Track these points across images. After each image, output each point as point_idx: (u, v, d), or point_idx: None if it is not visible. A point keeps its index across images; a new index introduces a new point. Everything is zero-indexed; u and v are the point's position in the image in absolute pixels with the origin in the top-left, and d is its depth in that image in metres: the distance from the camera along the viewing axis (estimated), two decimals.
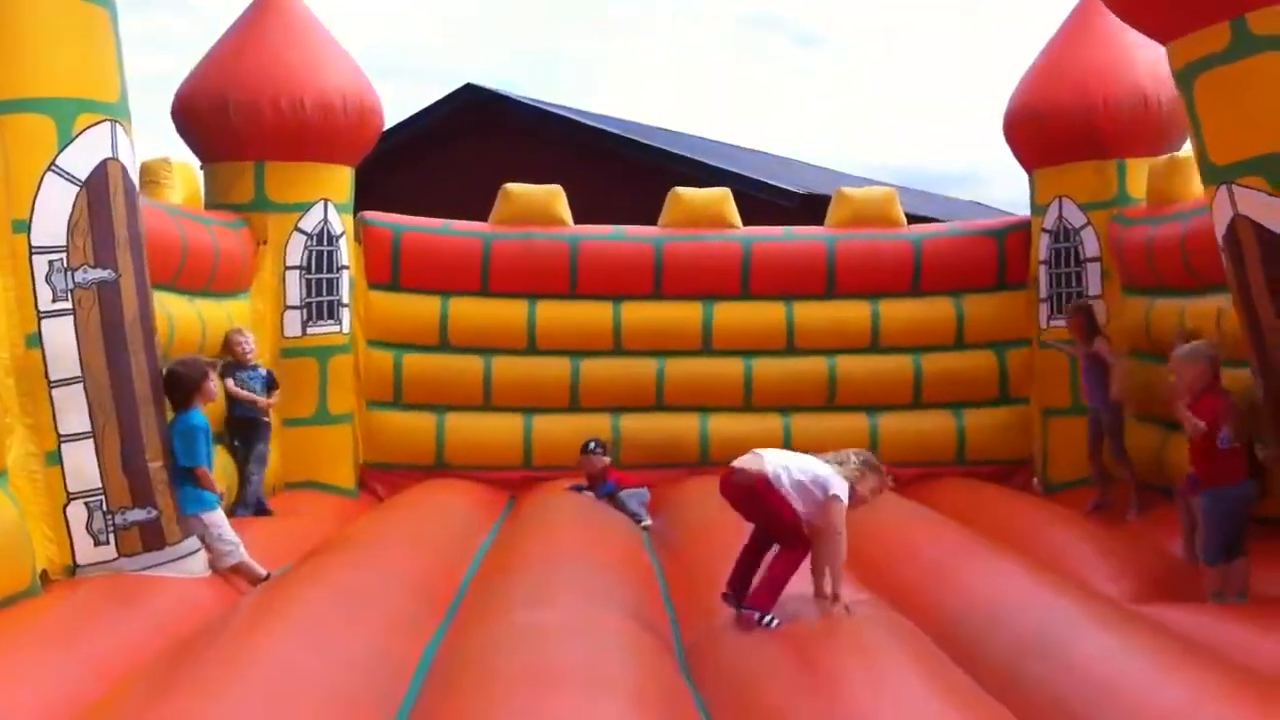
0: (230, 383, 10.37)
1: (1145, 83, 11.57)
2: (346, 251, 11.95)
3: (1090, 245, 12.05)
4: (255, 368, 10.65)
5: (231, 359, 10.55)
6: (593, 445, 11.53)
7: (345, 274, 11.93)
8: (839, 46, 62.65)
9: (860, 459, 7.09)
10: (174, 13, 51.04)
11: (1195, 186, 10.90)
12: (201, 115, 11.40)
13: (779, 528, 6.94)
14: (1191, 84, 7.68)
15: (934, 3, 61.54)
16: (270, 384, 10.70)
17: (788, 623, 6.59)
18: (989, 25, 62.20)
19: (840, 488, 6.87)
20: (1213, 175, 7.71)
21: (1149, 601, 7.59)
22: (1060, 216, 12.21)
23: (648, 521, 10.79)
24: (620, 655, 6.11)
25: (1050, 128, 11.99)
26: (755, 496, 6.95)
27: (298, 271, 11.65)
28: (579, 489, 11.40)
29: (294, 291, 11.64)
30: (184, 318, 9.69)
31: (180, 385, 8.14)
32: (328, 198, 11.77)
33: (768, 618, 6.66)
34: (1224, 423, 7.82)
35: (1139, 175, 11.73)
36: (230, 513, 9.72)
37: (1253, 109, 7.29)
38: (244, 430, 10.41)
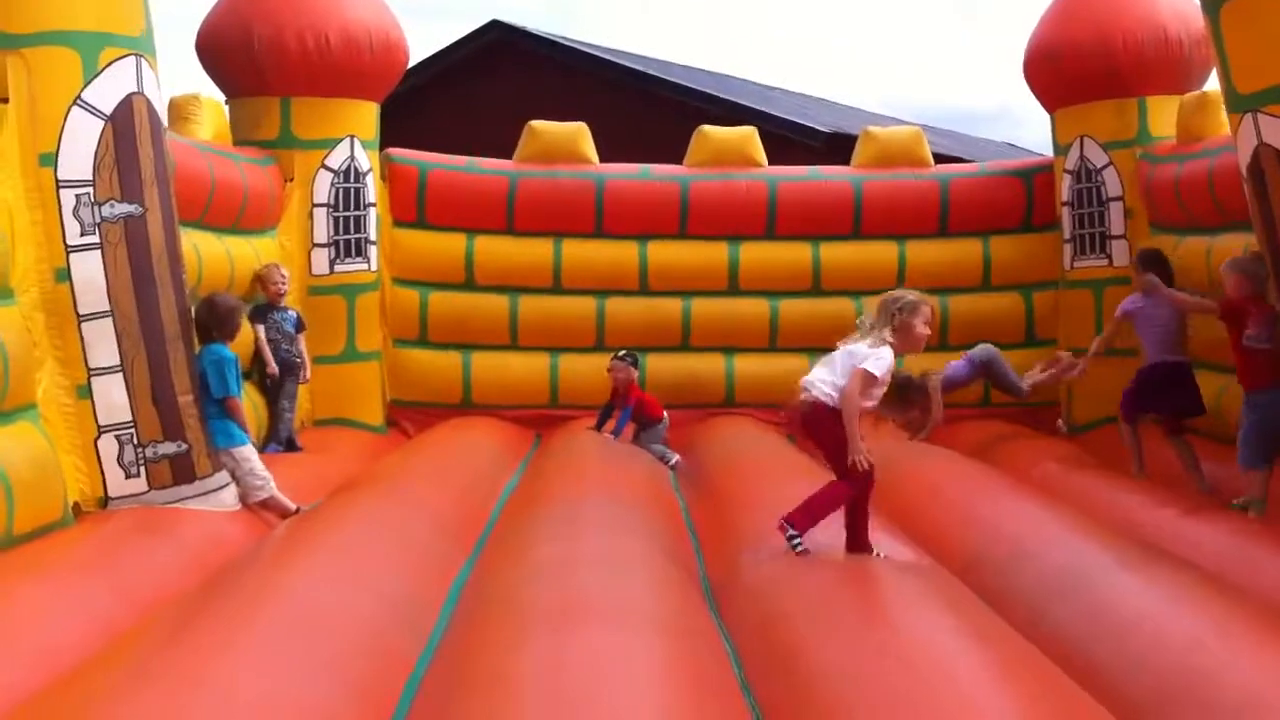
0: (262, 329, 10.41)
1: (1165, 20, 11.49)
2: (373, 188, 11.95)
3: (1113, 185, 11.99)
4: (285, 309, 10.68)
5: (264, 299, 10.56)
6: (624, 353, 11.49)
7: (372, 211, 11.93)
8: None
9: (884, 311, 6.73)
10: None
11: (1224, 124, 10.83)
12: (226, 50, 11.37)
13: (828, 454, 6.85)
14: (1217, 11, 7.62)
15: None
16: (300, 325, 10.74)
17: (815, 557, 6.60)
18: None
19: (870, 359, 6.60)
20: (1237, 104, 7.65)
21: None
22: (1082, 156, 12.13)
23: (675, 459, 10.81)
24: (646, 590, 6.14)
25: (1070, 67, 11.91)
26: (807, 425, 6.88)
27: (325, 209, 11.65)
28: (598, 427, 11.37)
29: (321, 229, 11.65)
30: (212, 254, 9.72)
31: (211, 318, 8.20)
32: (354, 134, 11.76)
33: (796, 540, 6.62)
34: (1255, 325, 7.91)
35: (1160, 113, 11.66)
36: (261, 449, 9.82)
37: (1277, 36, 7.23)
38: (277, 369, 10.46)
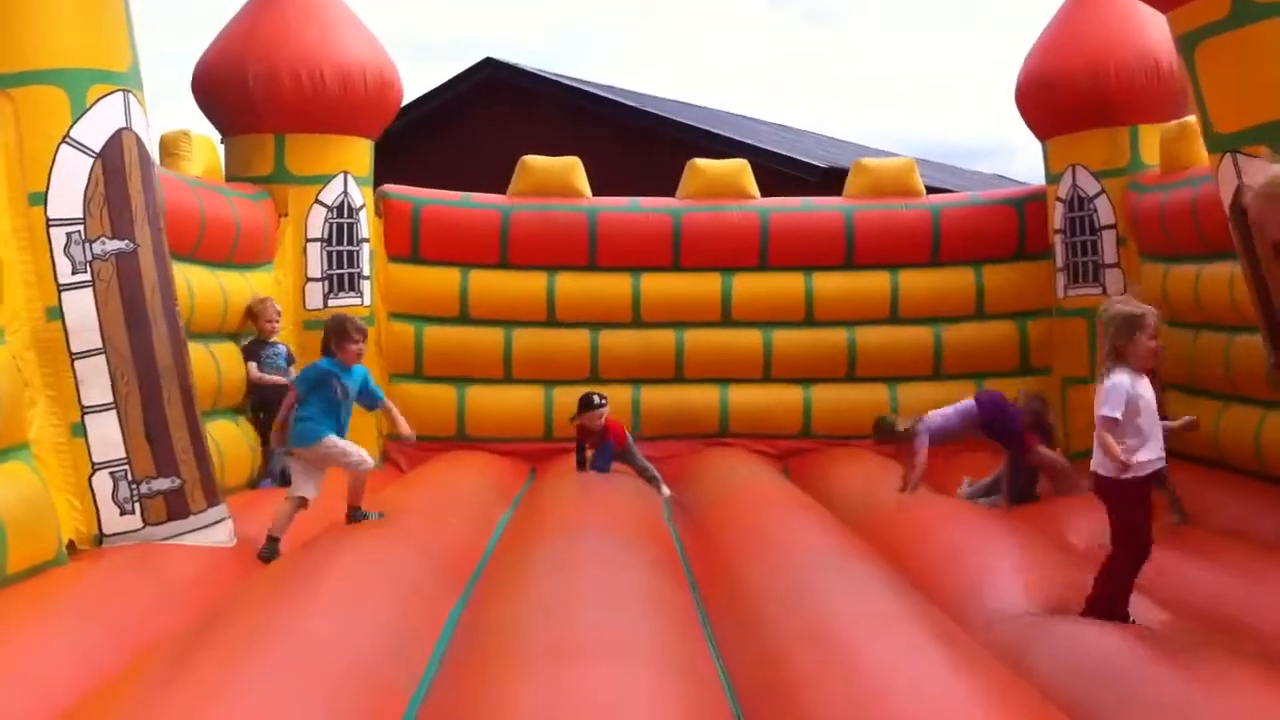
0: (254, 367, 10.42)
1: (1156, 49, 11.52)
2: (367, 224, 11.99)
3: (1105, 213, 12.03)
4: (276, 344, 10.70)
5: (255, 335, 10.57)
6: (597, 400, 11.06)
7: (365, 246, 11.97)
8: (852, 22, 62.20)
9: (1105, 337, 6.29)
10: None
11: (1206, 152, 10.89)
12: (221, 88, 11.43)
13: (1110, 521, 6.44)
14: (1192, 52, 7.65)
15: None
16: (291, 360, 10.76)
17: (814, 593, 6.57)
18: None
19: (1104, 404, 6.15)
20: (1216, 144, 7.68)
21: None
22: (1074, 185, 12.18)
23: (667, 492, 10.78)
24: (642, 625, 6.11)
25: (1061, 96, 11.97)
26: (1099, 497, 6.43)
27: (319, 244, 11.69)
28: (583, 464, 11.12)
29: (315, 264, 11.69)
30: (205, 288, 9.74)
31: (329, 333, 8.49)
32: (348, 170, 11.81)
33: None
34: None
35: (1152, 142, 11.70)
36: (255, 484, 9.82)
37: (1254, 77, 7.25)
38: (268, 403, 10.45)
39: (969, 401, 10.41)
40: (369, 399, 8.71)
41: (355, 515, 8.51)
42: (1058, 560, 7.66)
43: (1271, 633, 6.28)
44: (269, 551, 7.89)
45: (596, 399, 11.10)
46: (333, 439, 8.38)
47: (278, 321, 10.70)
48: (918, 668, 5.34)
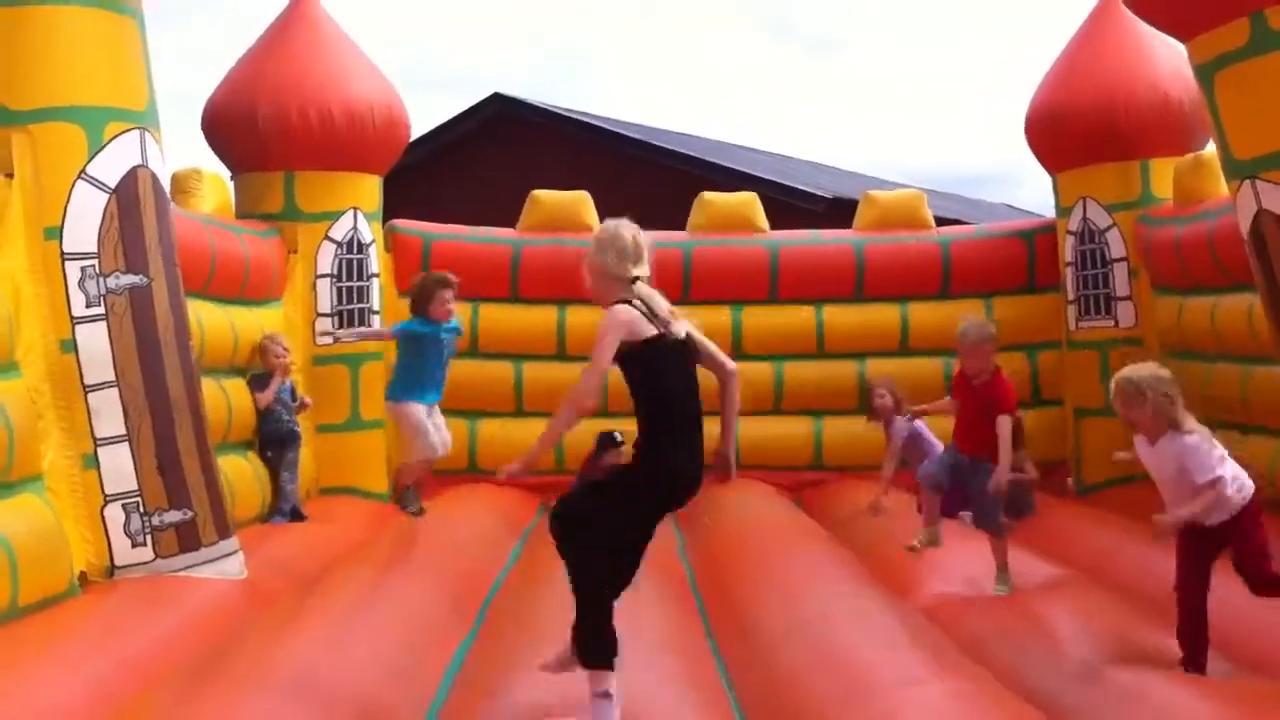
0: (260, 396, 10.39)
1: (1166, 82, 11.53)
2: (376, 259, 12.01)
3: (1116, 246, 12.02)
4: (282, 380, 10.66)
5: (263, 369, 10.59)
6: (619, 438, 10.84)
7: (375, 282, 11.99)
8: (853, 53, 62.50)
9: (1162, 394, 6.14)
10: (207, 27, 51.38)
11: (1222, 184, 10.88)
12: (231, 126, 11.47)
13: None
14: (1212, 80, 7.66)
15: (952, 7, 61.29)
16: (294, 397, 10.73)
17: (828, 627, 6.54)
18: (1014, 25, 61.98)
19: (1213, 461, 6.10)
20: (1236, 170, 7.69)
21: None
22: (1085, 218, 12.17)
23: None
24: (654, 659, 6.12)
25: (1071, 129, 11.96)
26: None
27: (328, 279, 11.71)
28: None
29: (325, 299, 11.69)
30: (215, 324, 9.76)
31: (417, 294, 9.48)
32: (357, 206, 11.83)
33: None
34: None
35: (1163, 175, 11.69)
36: (266, 519, 9.80)
37: (1273, 103, 7.27)
38: (276, 439, 10.45)
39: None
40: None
41: (401, 498, 8.70)
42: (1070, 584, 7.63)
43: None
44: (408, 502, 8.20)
45: (618, 436, 10.90)
46: (412, 408, 8.68)
47: (286, 358, 10.68)
48: (928, 700, 5.32)
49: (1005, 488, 7.92)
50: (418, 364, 9.64)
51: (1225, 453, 6.12)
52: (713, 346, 5.50)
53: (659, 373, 5.20)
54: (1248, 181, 7.53)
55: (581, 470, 11.19)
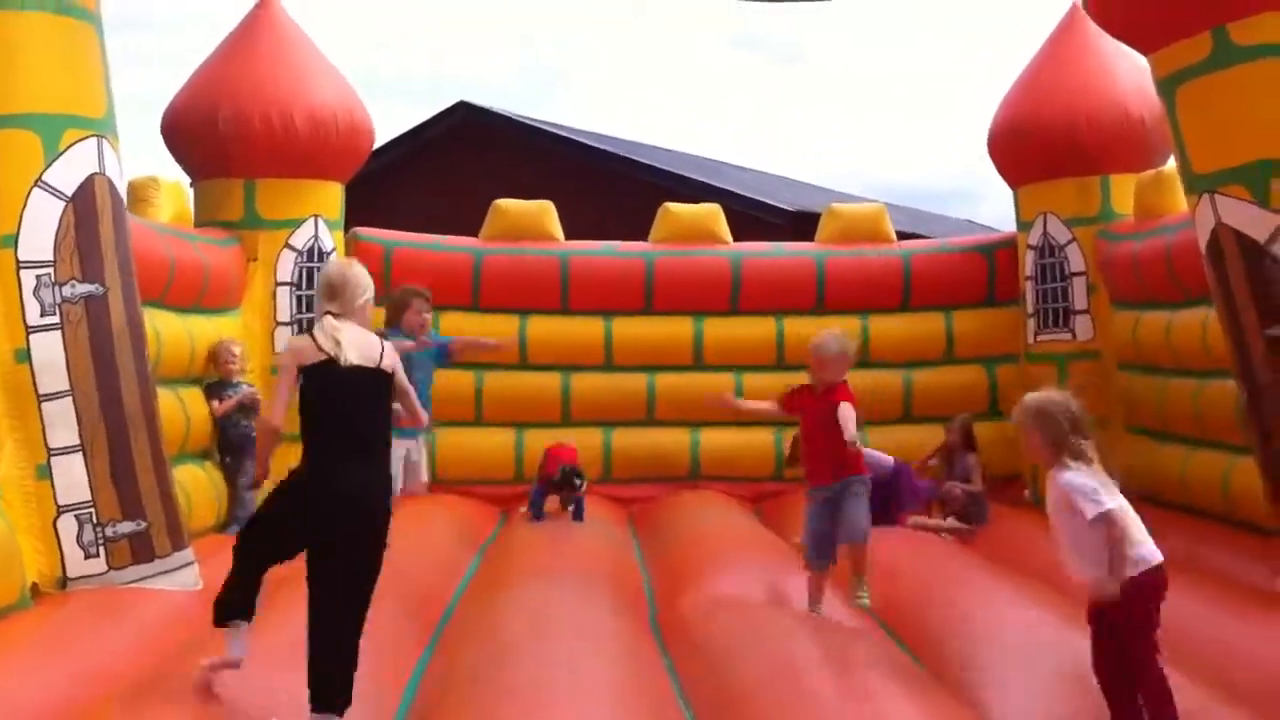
0: (215, 404, 10.32)
1: (1128, 99, 11.62)
2: None
3: (1075, 260, 12.09)
4: (238, 385, 10.56)
5: (217, 376, 10.49)
6: (579, 483, 10.95)
7: None
8: (817, 66, 62.65)
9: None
10: (165, 32, 51.06)
11: (1181, 201, 10.97)
12: (191, 133, 11.39)
13: None
14: (1174, 94, 7.74)
15: (915, 21, 61.55)
16: (254, 401, 10.62)
17: (782, 638, 6.56)
18: (977, 41, 62.31)
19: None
20: (1195, 184, 7.76)
21: None
22: (1045, 232, 12.24)
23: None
24: (608, 671, 6.12)
25: (1033, 144, 12.03)
26: None
27: (288, 288, 11.64)
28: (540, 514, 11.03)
29: (285, 308, 11.63)
30: (172, 333, 9.70)
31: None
32: (318, 214, 11.77)
33: None
34: None
35: (1123, 191, 11.79)
36: (223, 529, 9.74)
37: (1233, 118, 7.35)
38: (234, 445, 10.39)
39: (889, 459, 10.76)
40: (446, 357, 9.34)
41: None
42: (1039, 598, 7.67)
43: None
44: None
45: (578, 482, 10.95)
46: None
47: (235, 363, 10.58)
48: (880, 709, 5.34)
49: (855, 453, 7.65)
50: None
51: (1121, 503, 5.44)
52: (408, 394, 5.90)
53: (318, 396, 5.59)
54: (1206, 195, 7.61)
55: (537, 484, 11.22)
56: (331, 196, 11.96)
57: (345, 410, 5.60)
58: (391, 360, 5.71)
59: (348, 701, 5.39)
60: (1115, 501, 5.39)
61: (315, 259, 11.71)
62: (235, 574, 5.82)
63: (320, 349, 5.57)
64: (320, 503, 5.51)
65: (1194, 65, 7.51)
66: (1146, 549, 5.44)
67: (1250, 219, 7.37)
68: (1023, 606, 7.33)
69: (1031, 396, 5.68)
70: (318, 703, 5.35)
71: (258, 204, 11.53)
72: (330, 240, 11.84)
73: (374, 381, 5.67)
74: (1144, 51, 8.04)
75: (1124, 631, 5.36)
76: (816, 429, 7.87)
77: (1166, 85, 7.82)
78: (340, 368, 5.55)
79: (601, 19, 58.26)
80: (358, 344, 5.62)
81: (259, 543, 5.79)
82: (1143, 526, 5.49)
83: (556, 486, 11.03)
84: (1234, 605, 7.42)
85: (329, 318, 5.68)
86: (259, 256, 11.49)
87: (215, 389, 10.41)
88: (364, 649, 6.51)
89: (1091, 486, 5.38)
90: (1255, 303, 7.49)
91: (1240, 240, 7.45)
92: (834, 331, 7.97)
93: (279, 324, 11.60)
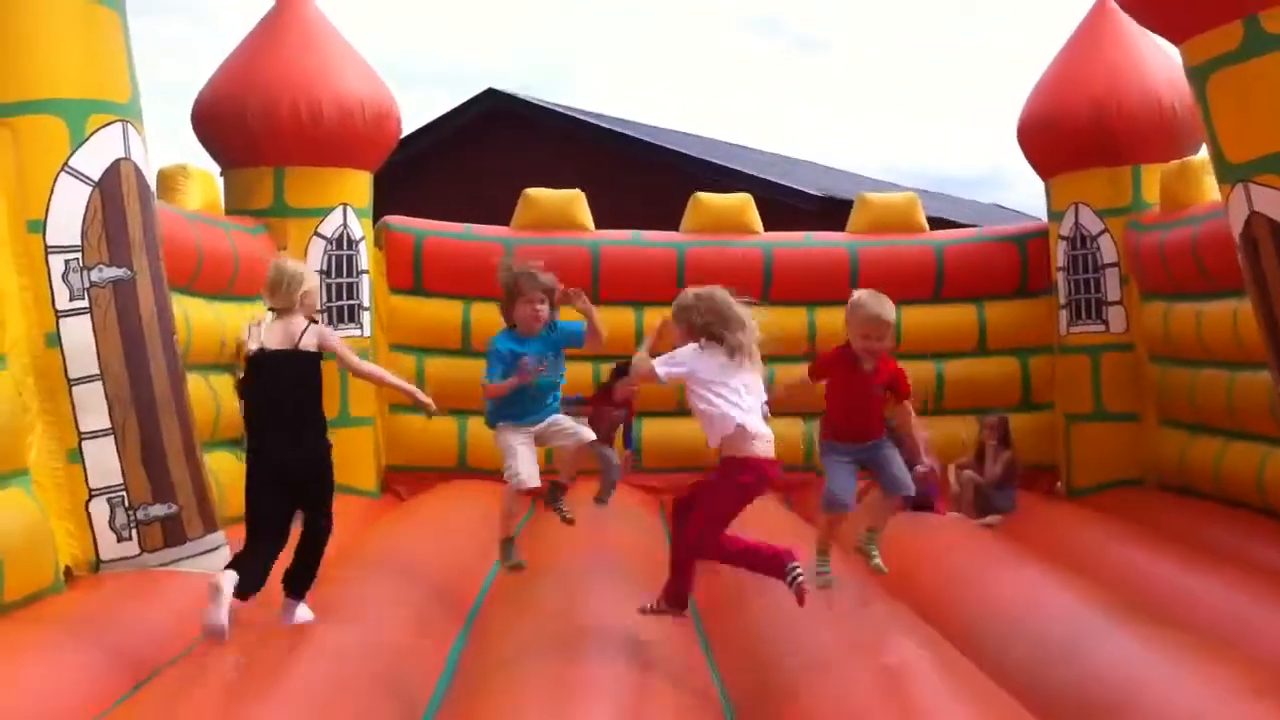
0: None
1: (1159, 89, 11.57)
2: (366, 256, 11.97)
3: (1108, 251, 12.02)
4: None
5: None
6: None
7: (365, 278, 11.94)
8: (844, 51, 62.39)
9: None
10: (194, 22, 51.23)
11: (1207, 191, 10.90)
12: (220, 122, 11.43)
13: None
14: (1205, 83, 7.66)
15: (939, 7, 61.13)
16: None
17: (819, 627, 6.51)
18: (996, 27, 62.01)
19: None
20: (1228, 174, 7.68)
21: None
22: (1077, 223, 12.18)
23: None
24: (644, 657, 6.09)
25: (1064, 135, 11.98)
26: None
27: (317, 276, 11.64)
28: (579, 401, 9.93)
29: None
30: (202, 320, 9.70)
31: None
32: (347, 202, 11.79)
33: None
34: None
35: (1154, 181, 11.73)
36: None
37: (1266, 107, 7.27)
38: None
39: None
40: (577, 341, 7.70)
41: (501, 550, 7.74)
42: (1067, 581, 7.61)
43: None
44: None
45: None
46: (503, 433, 7.34)
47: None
48: (920, 698, 5.29)
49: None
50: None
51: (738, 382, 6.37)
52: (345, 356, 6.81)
53: (251, 381, 6.63)
54: (1240, 185, 7.52)
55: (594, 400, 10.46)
56: (360, 185, 11.97)
57: (270, 390, 6.54)
58: (314, 339, 6.53)
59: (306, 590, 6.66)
60: (702, 373, 6.32)
61: (344, 247, 11.73)
62: (245, 547, 6.53)
63: (250, 342, 6.57)
64: (264, 470, 6.48)
65: (1226, 54, 7.43)
66: (749, 443, 6.22)
67: None
68: (1052, 594, 7.27)
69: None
70: (295, 591, 6.57)
71: (286, 192, 11.56)
72: (359, 228, 11.86)
73: (293, 361, 6.51)
74: (1174, 41, 7.96)
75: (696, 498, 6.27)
76: (859, 399, 7.61)
77: (1198, 74, 7.74)
78: (265, 354, 6.50)
79: (620, 6, 58.12)
80: (278, 331, 6.49)
81: (249, 514, 6.55)
82: (755, 421, 6.32)
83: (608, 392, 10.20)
84: None
85: (270, 313, 6.56)
86: (288, 245, 11.50)
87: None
88: (397, 639, 6.54)
89: (681, 357, 6.27)
90: None
91: (1274, 229, 7.35)
92: (873, 291, 7.64)
93: None
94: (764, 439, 6.29)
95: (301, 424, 6.63)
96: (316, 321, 6.72)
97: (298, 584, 6.63)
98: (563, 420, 7.61)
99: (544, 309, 7.44)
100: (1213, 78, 7.60)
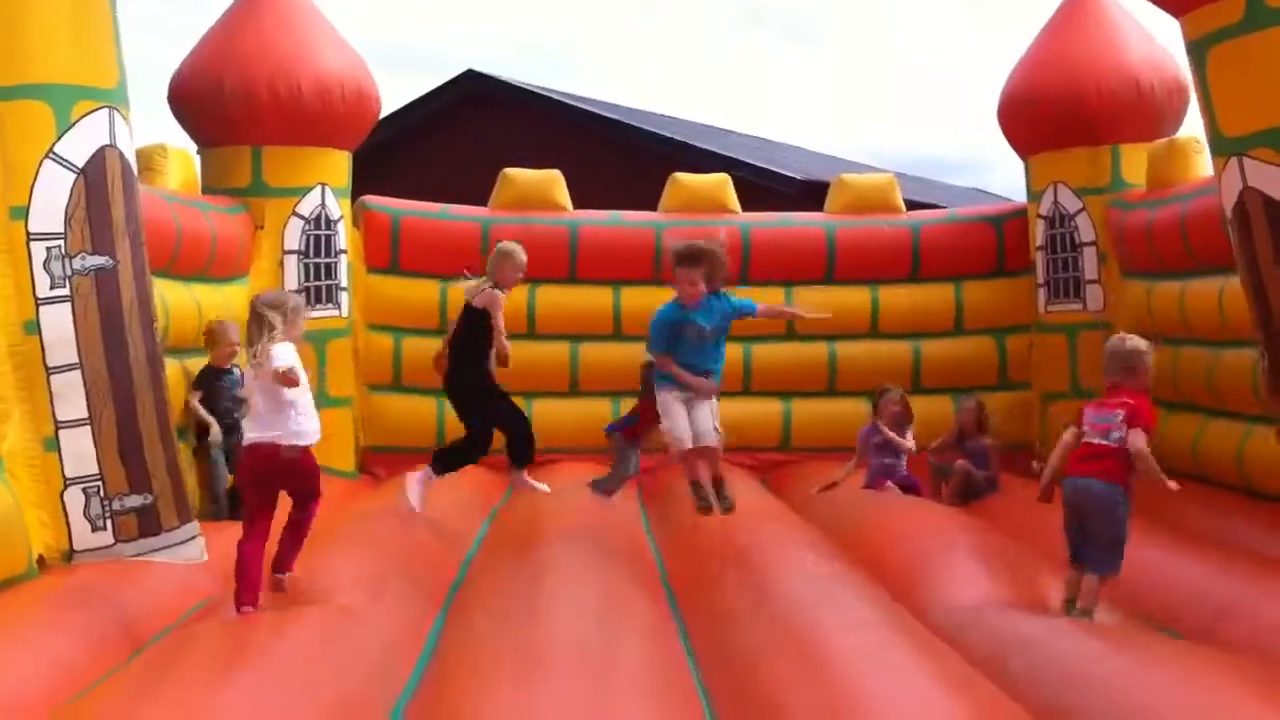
0: (198, 396, 9.82)
1: (1138, 69, 11.62)
2: (344, 236, 11.93)
3: (1086, 230, 12.08)
4: (232, 370, 10.06)
5: (210, 363, 10.05)
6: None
7: (343, 258, 11.91)
8: (828, 38, 62.27)
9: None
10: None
11: (1194, 170, 10.93)
12: (198, 100, 11.37)
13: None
14: (1204, 56, 7.67)
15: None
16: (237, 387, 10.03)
17: (787, 606, 6.55)
18: (986, 11, 61.95)
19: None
20: (1223, 147, 7.69)
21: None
22: (1055, 202, 12.23)
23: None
24: (619, 637, 6.11)
25: (1044, 114, 12.01)
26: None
27: (295, 256, 11.63)
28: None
29: (292, 276, 11.61)
30: (179, 304, 9.67)
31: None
32: (325, 182, 11.75)
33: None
34: None
35: (1133, 161, 11.78)
36: (203, 516, 9.38)
37: (1265, 81, 7.29)
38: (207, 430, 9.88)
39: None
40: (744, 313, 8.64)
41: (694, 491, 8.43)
42: (1030, 562, 7.66)
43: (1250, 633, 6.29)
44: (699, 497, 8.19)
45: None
46: (665, 398, 8.28)
47: (237, 347, 9.91)
48: (896, 680, 5.32)
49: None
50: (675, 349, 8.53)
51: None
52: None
53: None
54: (1235, 159, 7.54)
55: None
56: (338, 164, 11.93)
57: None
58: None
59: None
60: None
61: (322, 226, 11.71)
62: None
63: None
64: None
65: (1227, 27, 7.44)
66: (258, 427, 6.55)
67: (1278, 182, 7.30)
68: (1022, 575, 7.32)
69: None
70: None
71: (264, 171, 11.52)
72: (337, 208, 11.82)
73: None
74: (1175, 14, 7.95)
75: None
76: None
77: (1197, 47, 7.74)
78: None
79: None
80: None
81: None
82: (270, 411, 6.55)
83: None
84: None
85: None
86: (266, 224, 11.47)
87: (208, 377, 9.98)
88: (376, 611, 6.55)
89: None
90: None
91: (1267, 204, 7.38)
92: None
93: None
94: None
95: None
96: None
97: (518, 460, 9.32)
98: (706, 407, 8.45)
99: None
100: (1212, 51, 7.61)
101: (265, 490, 6.64)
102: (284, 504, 6.81)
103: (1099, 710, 5.08)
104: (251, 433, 6.63)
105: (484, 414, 9.43)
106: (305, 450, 6.65)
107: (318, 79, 11.35)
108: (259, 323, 6.58)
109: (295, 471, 6.64)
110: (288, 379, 6.45)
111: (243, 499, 6.83)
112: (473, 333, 9.22)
